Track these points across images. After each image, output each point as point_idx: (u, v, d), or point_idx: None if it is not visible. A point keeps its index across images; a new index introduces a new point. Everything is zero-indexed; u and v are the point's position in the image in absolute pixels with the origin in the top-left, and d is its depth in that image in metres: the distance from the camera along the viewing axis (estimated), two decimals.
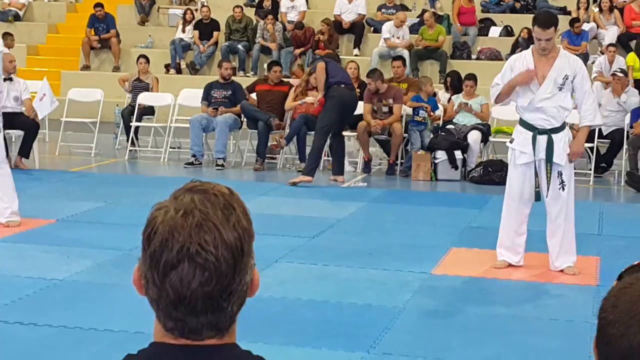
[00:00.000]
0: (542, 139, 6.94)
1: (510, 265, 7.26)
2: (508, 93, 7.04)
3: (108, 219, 8.92)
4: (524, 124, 7.06)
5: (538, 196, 7.02)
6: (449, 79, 13.70)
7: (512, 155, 7.12)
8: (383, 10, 18.35)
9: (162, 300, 1.55)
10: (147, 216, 1.57)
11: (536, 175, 6.99)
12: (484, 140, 12.37)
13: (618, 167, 12.34)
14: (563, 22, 16.96)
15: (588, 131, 7.26)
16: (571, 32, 16.49)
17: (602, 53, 15.83)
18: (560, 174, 6.96)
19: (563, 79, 6.91)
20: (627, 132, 12.13)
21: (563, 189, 6.97)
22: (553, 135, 6.94)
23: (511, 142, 7.16)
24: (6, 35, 16.75)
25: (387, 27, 16.91)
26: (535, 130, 6.96)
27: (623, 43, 16.80)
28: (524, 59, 7.03)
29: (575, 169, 7.42)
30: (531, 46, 7.24)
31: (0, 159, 8.27)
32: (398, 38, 16.85)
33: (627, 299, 1.47)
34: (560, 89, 6.91)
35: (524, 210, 7.13)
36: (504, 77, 7.04)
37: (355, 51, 17.65)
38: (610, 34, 16.86)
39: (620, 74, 12.97)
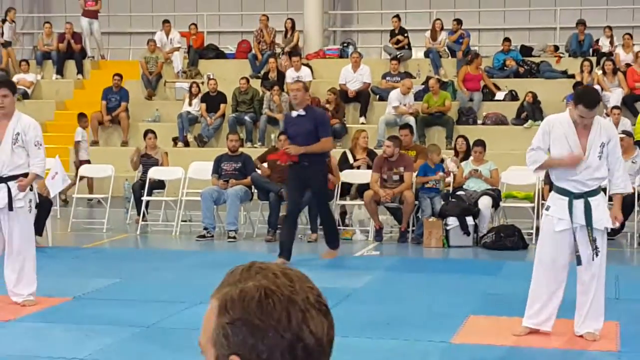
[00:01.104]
0: (579, 203, 6.92)
1: (531, 332, 7.21)
2: (551, 167, 7.06)
3: (124, 295, 8.91)
4: (558, 190, 7.04)
5: (579, 260, 6.94)
6: (460, 141, 13.55)
7: (546, 222, 7.07)
8: (388, 78, 18.54)
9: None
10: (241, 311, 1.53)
11: (574, 239, 6.95)
12: (495, 205, 12.38)
13: (630, 229, 12.34)
14: (567, 85, 17.14)
15: (622, 198, 7.30)
16: None
17: (608, 115, 15.93)
18: (594, 239, 6.92)
19: (600, 147, 6.92)
20: (638, 193, 12.15)
21: (597, 255, 6.93)
22: (590, 199, 6.92)
23: (547, 209, 7.11)
24: (82, 116, 16.93)
25: (395, 95, 17.05)
26: (571, 195, 6.94)
27: (628, 105, 16.94)
28: (564, 127, 6.95)
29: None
30: (568, 110, 7.22)
31: (29, 238, 8.32)
32: (404, 105, 16.99)
33: None
34: (599, 158, 6.93)
35: (558, 277, 7.02)
36: (543, 141, 7.00)
37: (362, 119, 17.79)
38: (614, 96, 17.00)
39: (623, 135, 12.99)
